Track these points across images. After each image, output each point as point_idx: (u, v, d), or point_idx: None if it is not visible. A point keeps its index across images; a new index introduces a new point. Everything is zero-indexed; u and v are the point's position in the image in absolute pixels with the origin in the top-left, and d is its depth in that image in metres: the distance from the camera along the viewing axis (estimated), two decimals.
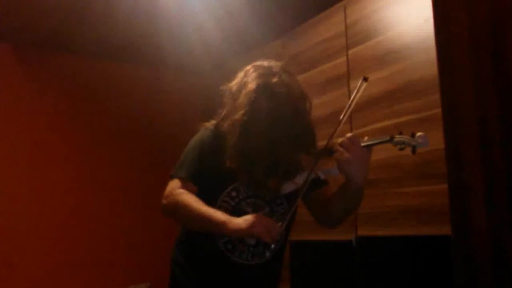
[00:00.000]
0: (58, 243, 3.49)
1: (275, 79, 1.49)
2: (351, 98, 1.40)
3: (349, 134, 1.36)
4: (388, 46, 2.32)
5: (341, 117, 1.40)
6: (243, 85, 1.52)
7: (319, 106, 2.60)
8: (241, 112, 1.47)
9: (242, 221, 1.39)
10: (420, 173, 2.11)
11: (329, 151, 1.40)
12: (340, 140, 1.36)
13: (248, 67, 1.57)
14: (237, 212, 1.51)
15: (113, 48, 3.64)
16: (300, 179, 1.44)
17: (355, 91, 1.40)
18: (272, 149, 1.45)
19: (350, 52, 2.53)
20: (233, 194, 1.54)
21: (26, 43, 3.53)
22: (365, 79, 1.41)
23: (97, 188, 3.70)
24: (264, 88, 1.48)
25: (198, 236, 1.54)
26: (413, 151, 1.32)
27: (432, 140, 2.03)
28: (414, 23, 2.20)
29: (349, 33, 2.55)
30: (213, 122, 1.61)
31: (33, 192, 3.47)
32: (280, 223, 1.43)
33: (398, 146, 1.35)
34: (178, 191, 1.51)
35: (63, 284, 3.44)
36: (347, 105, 1.41)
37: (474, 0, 1.69)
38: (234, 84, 1.57)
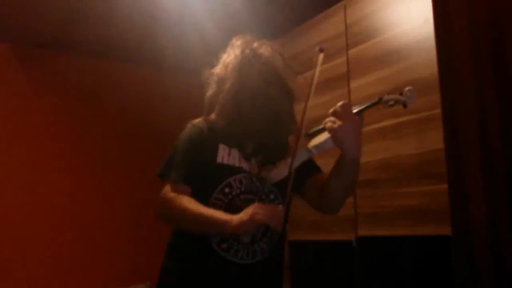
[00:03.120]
0: (58, 243, 3.48)
1: (256, 44, 1.56)
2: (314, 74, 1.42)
3: (340, 102, 1.34)
4: (388, 46, 2.32)
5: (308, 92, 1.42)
6: (228, 57, 1.56)
7: (319, 106, 2.60)
8: (231, 81, 1.50)
9: (242, 215, 1.36)
10: (420, 173, 2.11)
11: (321, 129, 1.39)
12: (331, 109, 1.34)
13: (228, 47, 1.61)
14: (231, 208, 1.48)
15: (113, 48, 3.64)
16: (288, 163, 1.42)
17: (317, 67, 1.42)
18: (266, 121, 1.47)
19: (350, 52, 2.53)
20: (226, 190, 1.50)
21: (26, 43, 3.53)
22: (321, 50, 1.42)
23: (97, 188, 3.70)
24: (250, 52, 1.53)
25: (191, 240, 1.51)
26: (405, 106, 1.31)
27: (432, 140, 2.04)
28: (414, 23, 2.19)
29: (349, 33, 2.55)
30: (200, 119, 1.60)
31: (33, 191, 3.47)
32: (280, 206, 1.40)
33: (389, 104, 1.34)
34: (171, 196, 1.46)
35: (63, 284, 3.44)
36: (310, 83, 1.42)
37: (474, 0, 1.69)
38: (218, 66, 1.60)
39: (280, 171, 1.44)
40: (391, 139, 2.23)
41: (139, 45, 3.56)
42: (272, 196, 1.55)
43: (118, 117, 3.85)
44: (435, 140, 1.99)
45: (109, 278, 3.57)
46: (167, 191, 1.48)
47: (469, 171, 1.67)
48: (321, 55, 1.41)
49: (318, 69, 1.41)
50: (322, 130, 1.40)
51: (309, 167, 1.58)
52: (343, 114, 1.32)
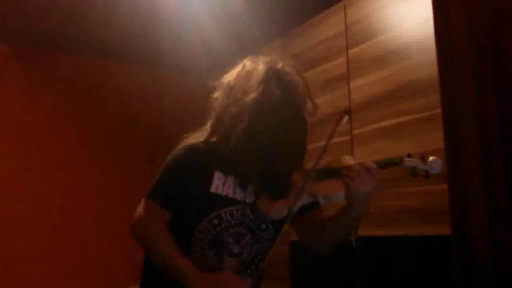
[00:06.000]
0: (57, 243, 3.48)
1: (280, 65, 1.46)
2: (332, 132, 1.32)
3: (369, 163, 1.27)
4: (388, 46, 2.32)
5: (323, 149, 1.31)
6: (249, 72, 1.44)
7: (319, 106, 2.60)
8: (252, 96, 1.37)
9: (211, 282, 1.31)
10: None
11: (334, 173, 1.31)
12: (355, 166, 1.28)
13: (245, 60, 1.49)
14: (217, 241, 1.42)
15: (113, 48, 3.64)
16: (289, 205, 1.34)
17: (336, 125, 1.34)
18: (275, 151, 1.37)
19: (350, 52, 2.53)
20: (215, 222, 1.41)
21: (26, 43, 3.53)
22: (347, 113, 1.35)
23: (96, 188, 3.69)
24: (274, 73, 1.43)
25: None
26: (427, 176, 1.27)
27: (432, 140, 2.04)
28: (414, 23, 2.19)
29: (349, 33, 2.54)
30: (198, 135, 1.48)
31: (32, 192, 3.46)
32: (249, 279, 1.35)
33: (410, 171, 1.30)
34: (147, 221, 1.42)
35: (63, 284, 3.44)
36: (328, 137, 1.31)
37: (474, 0, 1.69)
38: (232, 77, 1.47)
39: (280, 211, 1.38)
40: (391, 139, 2.23)
41: (139, 45, 3.55)
42: (263, 226, 1.48)
43: (118, 117, 3.85)
44: (435, 140, 1.99)
45: (109, 278, 3.57)
46: (146, 212, 1.44)
47: (469, 171, 1.67)
48: (346, 117, 1.35)
49: (338, 128, 1.34)
50: (333, 174, 1.33)
51: (309, 204, 1.47)
52: (365, 176, 1.28)
